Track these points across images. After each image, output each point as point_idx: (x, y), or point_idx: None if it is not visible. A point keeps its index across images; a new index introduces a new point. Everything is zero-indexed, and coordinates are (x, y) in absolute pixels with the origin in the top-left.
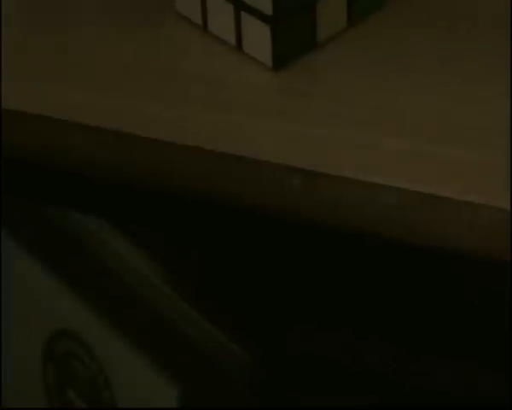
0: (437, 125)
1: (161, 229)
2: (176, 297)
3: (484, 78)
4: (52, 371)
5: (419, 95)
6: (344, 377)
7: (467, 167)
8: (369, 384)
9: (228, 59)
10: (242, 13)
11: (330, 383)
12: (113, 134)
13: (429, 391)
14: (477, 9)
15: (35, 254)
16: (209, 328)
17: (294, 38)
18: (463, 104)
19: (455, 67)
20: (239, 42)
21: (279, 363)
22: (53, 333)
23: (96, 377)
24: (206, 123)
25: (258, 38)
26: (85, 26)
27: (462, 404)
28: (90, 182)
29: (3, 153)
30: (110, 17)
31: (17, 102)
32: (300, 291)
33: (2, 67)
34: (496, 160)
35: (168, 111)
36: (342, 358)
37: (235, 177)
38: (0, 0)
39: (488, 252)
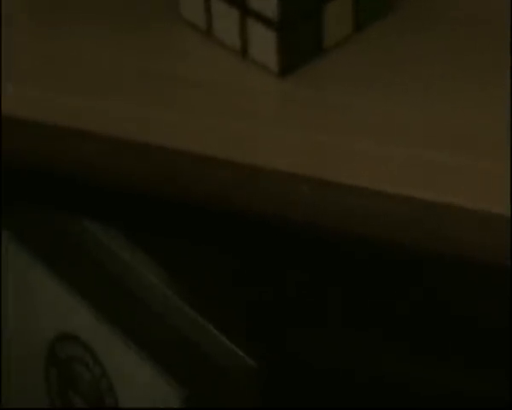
0: (445, 134)
1: (167, 235)
2: (181, 303)
3: (494, 83)
4: (55, 375)
5: (425, 102)
6: (348, 384)
7: (477, 176)
8: (372, 391)
9: (233, 65)
10: (248, 18)
11: (334, 390)
12: (114, 140)
13: (431, 395)
14: (486, 14)
15: (38, 258)
16: (214, 333)
17: (300, 43)
18: (471, 111)
19: (462, 73)
20: (244, 47)
21: (283, 369)
22: (56, 337)
23: (100, 381)
24: (211, 130)
25: (264, 43)
26: (88, 32)
27: (462, 404)
28: (94, 188)
29: (11, 159)
30: (113, 22)
31: (22, 109)
32: (307, 297)
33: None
34: None
35: (171, 117)
36: (346, 365)
37: (240, 184)
38: (0, 0)
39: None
